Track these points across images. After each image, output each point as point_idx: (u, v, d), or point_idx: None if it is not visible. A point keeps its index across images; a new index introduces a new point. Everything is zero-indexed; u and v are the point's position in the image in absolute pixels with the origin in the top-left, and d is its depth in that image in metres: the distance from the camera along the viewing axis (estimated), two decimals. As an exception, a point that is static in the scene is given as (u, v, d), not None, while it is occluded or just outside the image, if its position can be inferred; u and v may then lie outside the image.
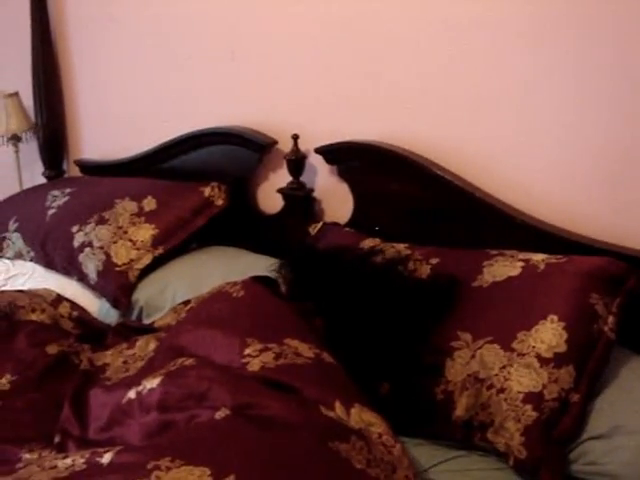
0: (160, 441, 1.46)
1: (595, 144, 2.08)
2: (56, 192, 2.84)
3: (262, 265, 2.47)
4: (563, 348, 1.75)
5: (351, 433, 1.44)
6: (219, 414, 1.47)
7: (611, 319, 1.82)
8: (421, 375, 1.85)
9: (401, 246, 2.20)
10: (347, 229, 2.43)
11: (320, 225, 2.50)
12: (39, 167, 3.32)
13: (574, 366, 1.74)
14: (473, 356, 1.82)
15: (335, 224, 2.50)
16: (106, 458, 1.32)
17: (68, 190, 2.84)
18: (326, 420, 1.48)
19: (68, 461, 1.37)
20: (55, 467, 1.36)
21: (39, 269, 2.73)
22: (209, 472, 1.24)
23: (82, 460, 1.35)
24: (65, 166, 3.36)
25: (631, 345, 1.93)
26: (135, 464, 1.29)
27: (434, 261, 2.09)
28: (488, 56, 2.21)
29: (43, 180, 3.28)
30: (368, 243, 2.28)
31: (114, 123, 3.20)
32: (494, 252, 2.05)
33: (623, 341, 1.88)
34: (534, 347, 1.77)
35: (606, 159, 2.08)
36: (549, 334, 1.77)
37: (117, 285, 2.49)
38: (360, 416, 1.57)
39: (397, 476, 1.46)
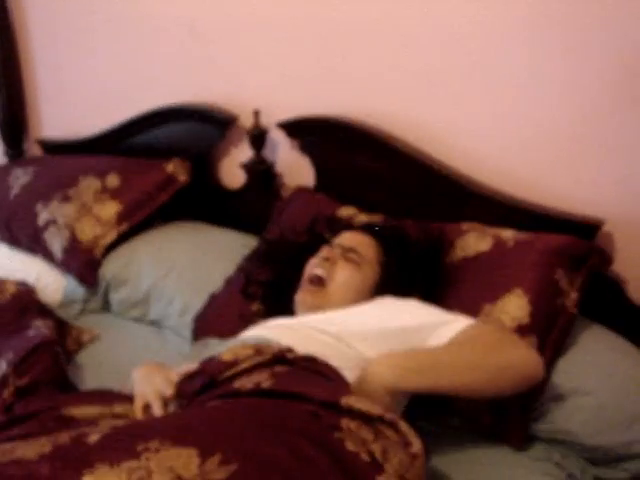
0: (147, 425, 1.41)
1: (554, 117, 2.06)
2: (19, 171, 2.75)
3: (225, 238, 2.48)
4: (527, 320, 1.77)
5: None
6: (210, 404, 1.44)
7: (574, 294, 1.85)
8: None
9: (377, 217, 2.17)
10: (320, 195, 2.37)
11: (292, 189, 2.45)
12: (-1, 147, 3.24)
13: (537, 336, 1.76)
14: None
15: (307, 189, 2.45)
16: (93, 438, 1.28)
17: (31, 169, 2.75)
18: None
19: (52, 438, 1.32)
20: (39, 440, 1.32)
21: (3, 248, 2.65)
22: (196, 452, 1.22)
23: (67, 438, 1.31)
24: (26, 145, 3.23)
25: (589, 314, 1.94)
26: (123, 446, 1.25)
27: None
28: (445, 32, 2.17)
29: (3, 160, 3.18)
30: (344, 211, 2.23)
31: (74, 101, 3.10)
32: (465, 227, 2.04)
33: (583, 311, 1.89)
34: (499, 318, 1.78)
35: (564, 133, 2.06)
36: (514, 306, 1.78)
37: (83, 262, 2.43)
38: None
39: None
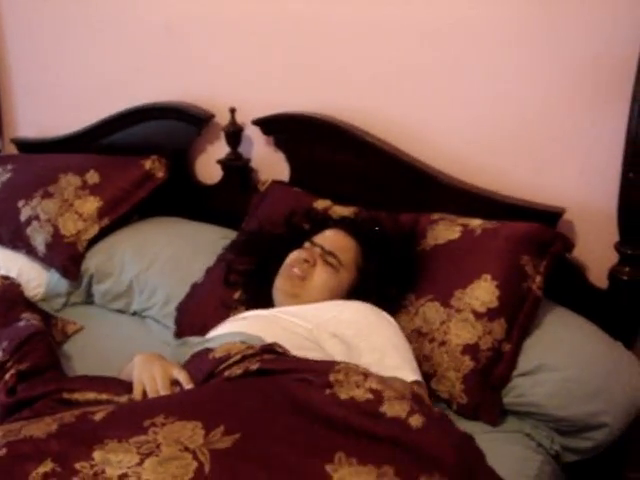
0: (151, 402, 1.47)
1: (519, 112, 2.14)
2: (-2, 168, 2.78)
3: (204, 232, 2.52)
4: (495, 304, 1.84)
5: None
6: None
7: (539, 278, 1.92)
8: None
9: (351, 209, 2.23)
10: (296, 188, 2.43)
11: (269, 183, 2.49)
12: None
13: (505, 319, 1.84)
14: (416, 313, 1.90)
15: (283, 182, 2.50)
16: (98, 416, 1.33)
17: (10, 167, 2.77)
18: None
19: (56, 417, 1.37)
20: (43, 420, 1.36)
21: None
22: (201, 425, 1.27)
23: (71, 417, 1.35)
24: (0, 145, 3.27)
25: (553, 297, 2.02)
26: (130, 421, 1.30)
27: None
28: (415, 30, 2.23)
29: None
30: (320, 204, 2.29)
31: (49, 101, 3.13)
32: (436, 217, 2.11)
33: (547, 294, 1.97)
34: (469, 303, 1.85)
35: (529, 127, 2.14)
36: (483, 291, 1.86)
37: (66, 256, 2.47)
38: None
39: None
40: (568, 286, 2.07)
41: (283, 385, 1.42)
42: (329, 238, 2.00)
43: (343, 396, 1.38)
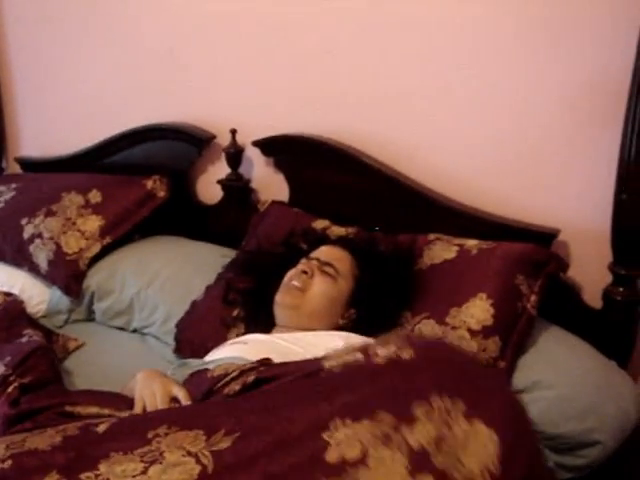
0: (153, 415, 1.49)
1: (517, 136, 2.17)
2: (2, 187, 2.82)
3: (204, 251, 2.55)
4: (490, 322, 1.86)
5: None
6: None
7: (533, 298, 1.95)
8: None
9: (349, 229, 2.26)
10: (295, 209, 2.46)
11: (268, 203, 2.53)
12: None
13: (500, 337, 1.86)
14: (412, 330, 1.92)
15: (282, 203, 2.53)
16: (101, 428, 1.35)
17: (14, 185, 2.81)
18: None
19: (60, 429, 1.38)
20: (46, 432, 1.38)
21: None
22: (202, 432, 1.29)
23: (75, 429, 1.37)
24: (4, 163, 3.30)
25: (548, 317, 2.05)
26: (134, 432, 1.32)
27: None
28: (412, 55, 2.27)
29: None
30: (319, 224, 2.32)
31: (52, 120, 3.16)
32: (432, 237, 2.14)
33: (542, 314, 2.00)
34: (465, 321, 1.87)
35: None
36: (478, 309, 1.88)
37: (68, 273, 2.49)
38: None
39: None
40: (563, 306, 2.09)
41: (280, 384, 1.45)
42: (324, 251, 2.03)
43: (332, 363, 1.41)
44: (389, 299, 1.96)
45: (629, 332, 2.04)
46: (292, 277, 1.98)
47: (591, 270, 2.12)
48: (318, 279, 1.95)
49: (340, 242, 2.11)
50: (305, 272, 1.96)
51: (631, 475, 2.01)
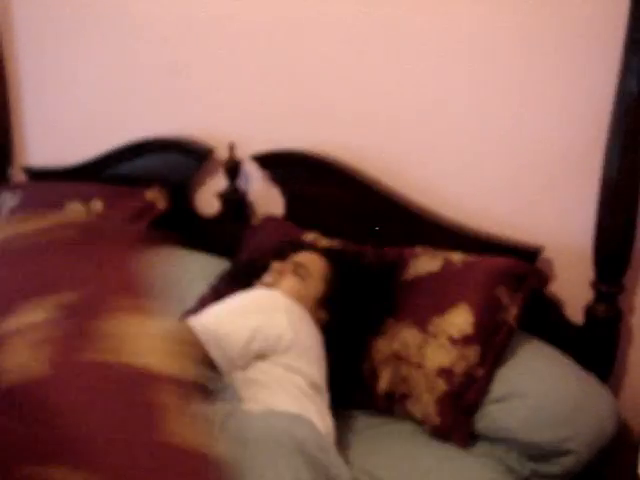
0: None
1: (495, 154, 2.23)
2: (7, 195, 2.90)
3: (200, 261, 2.60)
4: (471, 331, 1.91)
5: None
6: None
7: (514, 310, 1.99)
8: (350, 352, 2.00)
9: (338, 241, 2.31)
10: (288, 222, 2.51)
11: (262, 218, 2.59)
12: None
13: (480, 347, 1.91)
14: (394, 337, 1.98)
15: (275, 218, 2.58)
16: None
17: (19, 193, 2.89)
18: None
19: None
20: None
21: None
22: None
23: None
24: (11, 172, 3.36)
25: (532, 331, 2.10)
26: None
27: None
28: (406, 73, 2.32)
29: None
30: (308, 237, 2.37)
31: (57, 132, 3.23)
32: (419, 250, 2.18)
33: (526, 329, 2.06)
34: (446, 330, 1.92)
35: (504, 168, 2.23)
36: (459, 319, 1.93)
37: (68, 280, 2.54)
38: None
39: None
40: (545, 321, 2.14)
41: None
42: (300, 255, 2.09)
43: None
44: (362, 306, 2.01)
45: (610, 348, 2.08)
46: (265, 274, 2.05)
47: (573, 287, 2.16)
48: (288, 277, 2.00)
49: (320, 250, 2.16)
50: (278, 272, 2.02)
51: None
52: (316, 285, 2.02)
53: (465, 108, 2.25)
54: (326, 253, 2.12)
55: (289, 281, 2.00)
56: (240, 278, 2.24)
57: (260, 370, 1.77)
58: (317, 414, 1.75)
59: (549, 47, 2.09)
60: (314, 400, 1.78)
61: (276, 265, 2.05)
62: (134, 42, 2.89)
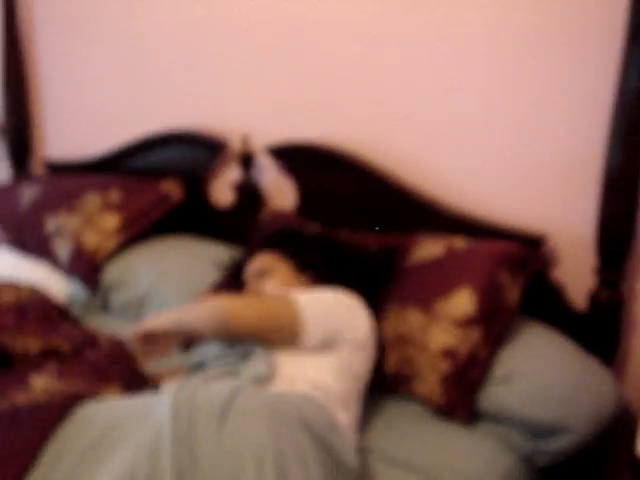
0: None
1: (505, 145, 2.27)
2: (27, 187, 2.97)
3: (214, 250, 2.64)
4: (474, 313, 1.95)
5: None
6: None
7: (515, 292, 2.04)
8: None
9: (343, 232, 2.35)
10: (297, 217, 2.56)
11: (272, 211, 2.64)
12: (4, 166, 3.44)
13: (482, 328, 1.95)
14: (399, 320, 2.03)
15: (286, 212, 2.63)
16: None
17: (38, 185, 2.96)
18: None
19: None
20: None
21: (7, 254, 2.86)
22: None
23: None
24: (31, 165, 3.44)
25: (533, 317, 2.15)
26: None
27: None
28: (416, 65, 2.36)
29: (11, 178, 3.37)
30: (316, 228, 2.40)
31: (76, 125, 3.31)
32: (422, 236, 2.23)
33: (530, 314, 2.11)
34: (449, 312, 1.97)
35: (514, 159, 2.26)
36: (462, 301, 1.96)
37: (87, 267, 2.63)
38: None
39: None
40: (549, 308, 2.18)
41: None
42: (249, 267, 2.13)
43: None
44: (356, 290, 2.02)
45: (613, 334, 2.12)
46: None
47: (577, 274, 2.20)
48: (262, 285, 2.06)
49: (261, 245, 2.19)
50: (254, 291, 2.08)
51: (615, 465, 2.10)
52: (282, 268, 2.08)
53: (473, 101, 2.30)
54: (264, 244, 2.17)
55: (268, 286, 2.05)
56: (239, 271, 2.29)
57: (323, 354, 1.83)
58: (346, 409, 1.80)
59: (556, 43, 2.13)
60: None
61: (247, 291, 2.11)
62: (150, 39, 2.96)
